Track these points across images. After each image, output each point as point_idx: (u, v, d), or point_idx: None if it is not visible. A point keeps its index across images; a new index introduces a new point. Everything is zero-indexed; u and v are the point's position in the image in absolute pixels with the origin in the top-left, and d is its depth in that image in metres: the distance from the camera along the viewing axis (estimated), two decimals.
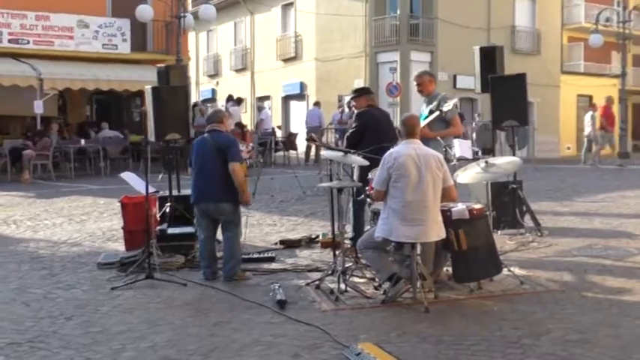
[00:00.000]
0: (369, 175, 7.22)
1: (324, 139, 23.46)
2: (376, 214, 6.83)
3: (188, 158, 7.77)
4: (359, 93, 8.55)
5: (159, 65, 10.26)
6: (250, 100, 35.89)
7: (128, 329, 5.72)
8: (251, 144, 17.65)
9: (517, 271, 7.03)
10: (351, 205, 8.47)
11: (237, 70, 39.07)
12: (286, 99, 35.42)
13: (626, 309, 5.90)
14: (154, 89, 8.32)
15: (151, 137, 8.80)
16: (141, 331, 5.67)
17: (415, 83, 8.40)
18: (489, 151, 10.32)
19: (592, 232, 9.47)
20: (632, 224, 10.09)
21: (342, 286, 6.60)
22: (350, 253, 7.30)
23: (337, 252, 7.15)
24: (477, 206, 6.64)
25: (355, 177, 8.32)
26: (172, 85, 9.05)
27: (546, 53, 34.32)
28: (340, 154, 7.05)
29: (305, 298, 6.59)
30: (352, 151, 7.16)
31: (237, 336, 5.47)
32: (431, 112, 8.08)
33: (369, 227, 8.34)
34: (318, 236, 9.41)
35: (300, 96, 33.97)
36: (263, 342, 5.29)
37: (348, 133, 8.45)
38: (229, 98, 24.92)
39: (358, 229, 8.29)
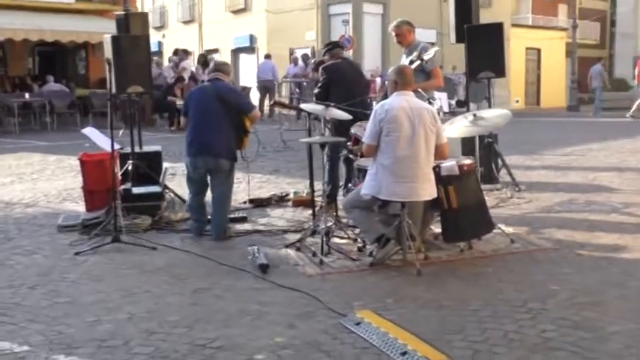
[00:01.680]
0: (352, 130, 6.82)
1: (277, 96, 22.92)
2: (361, 172, 6.44)
3: (183, 107, 7.27)
4: (330, 47, 8.17)
5: (117, 13, 9.58)
6: (197, 53, 34.94)
7: (100, 299, 5.25)
8: None
9: (506, 229, 6.72)
10: (325, 161, 8.08)
11: (185, 22, 37.96)
12: (236, 52, 34.56)
13: (628, 268, 5.65)
14: (114, 39, 7.71)
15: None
16: (115, 301, 5.20)
17: (393, 34, 7.96)
18: (463, 104, 9.95)
19: (569, 187, 9.26)
20: (607, 177, 9.93)
21: (326, 247, 6.23)
22: (329, 212, 6.92)
23: (317, 211, 6.78)
24: (467, 161, 6.29)
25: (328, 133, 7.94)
26: (133, 35, 8.44)
27: (498, 5, 34.07)
28: (321, 107, 6.60)
29: (286, 261, 6.19)
30: (332, 104, 6.71)
31: (220, 304, 5.05)
32: (411, 62, 7.66)
33: (342, 185, 8.02)
34: (287, 194, 9.01)
35: (250, 49, 33.16)
36: (250, 311, 4.89)
37: (315, 90, 8.07)
38: (176, 52, 24.07)
39: (333, 187, 7.92)
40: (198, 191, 7.15)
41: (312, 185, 7.13)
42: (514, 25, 36.39)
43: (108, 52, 7.75)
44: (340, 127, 7.34)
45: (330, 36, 29.63)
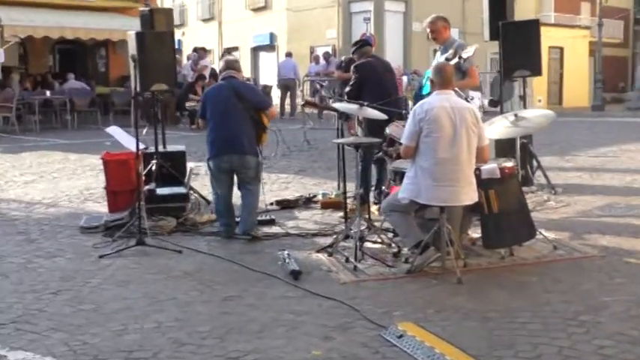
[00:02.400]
0: (387, 131, 6.55)
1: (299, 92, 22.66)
2: (398, 174, 6.17)
3: (200, 109, 7.04)
4: (360, 44, 7.92)
5: (142, 9, 9.33)
6: (218, 52, 34.74)
7: (126, 306, 5.01)
8: None
9: (547, 234, 6.40)
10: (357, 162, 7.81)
11: (204, 20, 37.84)
12: (255, 50, 34.38)
13: None
14: (138, 35, 7.48)
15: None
16: (141, 308, 4.96)
17: (428, 30, 7.66)
18: (496, 104, 9.63)
19: (607, 190, 8.92)
20: None
21: (359, 253, 5.95)
22: (362, 215, 6.63)
23: (350, 214, 6.50)
24: (509, 164, 6.00)
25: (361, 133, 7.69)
26: (158, 31, 8.19)
27: (521, 4, 33.55)
28: (355, 106, 6.33)
29: (318, 267, 5.92)
30: (366, 103, 6.43)
31: (253, 314, 4.79)
32: (447, 60, 7.37)
33: (374, 187, 7.76)
34: (315, 195, 8.74)
35: (270, 47, 32.98)
36: (284, 321, 4.63)
37: (347, 89, 7.83)
38: (195, 50, 23.82)
39: (366, 189, 7.66)
40: (225, 192, 6.93)
41: (344, 187, 6.84)
42: None
43: (132, 48, 7.54)
44: (373, 127, 7.08)
45: (351, 34, 29.37)
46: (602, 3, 33.28)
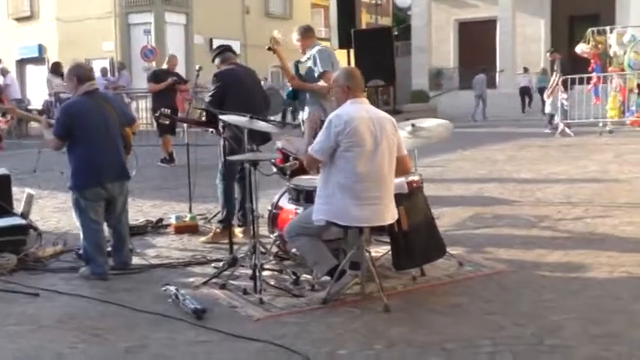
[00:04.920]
0: (278, 144, 5.91)
1: None
2: (301, 192, 5.52)
3: (60, 127, 5.86)
4: (220, 50, 7.22)
5: None
6: None
7: None
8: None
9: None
10: (218, 181, 7.08)
11: None
12: (22, 62, 31.81)
13: (608, 289, 5.15)
14: None
15: None
16: None
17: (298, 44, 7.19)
18: None
19: (464, 200, 8.74)
20: (491, 188, 9.64)
21: (259, 283, 5.24)
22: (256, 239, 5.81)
23: (239, 239, 5.80)
24: (415, 177, 5.59)
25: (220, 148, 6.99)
26: None
27: (298, 18, 34.08)
28: (244, 119, 5.59)
29: (215, 302, 5.12)
30: (251, 115, 5.70)
31: None
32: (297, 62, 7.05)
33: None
34: (161, 219, 7.85)
35: (39, 59, 30.66)
36: None
37: (207, 99, 7.09)
38: None
39: (230, 210, 6.96)
40: (100, 225, 5.93)
41: (247, 208, 5.86)
42: None
43: None
44: (237, 141, 6.38)
45: (130, 46, 28.15)
46: None
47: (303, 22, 34.62)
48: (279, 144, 6.04)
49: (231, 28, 30.58)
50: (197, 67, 7.85)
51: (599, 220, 7.46)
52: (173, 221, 7.53)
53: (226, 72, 7.00)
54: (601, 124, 17.20)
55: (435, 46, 32.17)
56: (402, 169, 5.15)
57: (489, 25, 31.00)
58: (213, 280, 5.56)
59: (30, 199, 6.97)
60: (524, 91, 27.96)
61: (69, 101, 6.10)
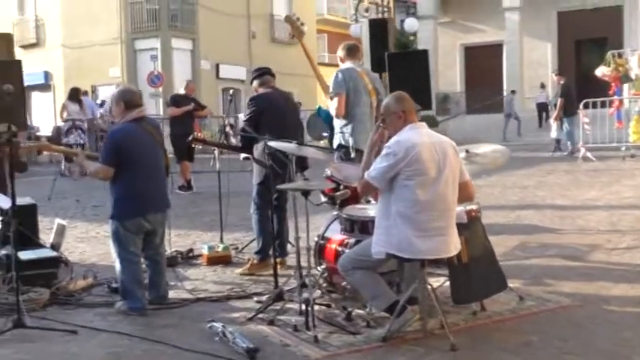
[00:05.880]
0: (327, 172, 5.64)
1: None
2: (356, 223, 5.24)
3: (104, 152, 5.61)
4: (260, 73, 6.99)
5: None
6: None
7: None
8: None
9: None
10: (252, 210, 6.81)
11: None
12: (27, 89, 31.55)
13: None
14: None
15: None
16: None
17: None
18: None
19: (505, 229, 8.32)
20: (529, 215, 9.36)
21: (311, 319, 4.94)
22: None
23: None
24: (473, 206, 5.31)
25: (255, 175, 6.74)
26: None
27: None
28: (293, 145, 5.34)
29: (265, 340, 4.82)
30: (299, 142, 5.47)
31: None
32: None
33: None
34: (191, 250, 7.57)
35: (45, 86, 30.53)
36: None
37: (242, 124, 6.86)
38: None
39: (267, 241, 6.66)
40: (139, 258, 5.64)
41: (297, 243, 5.56)
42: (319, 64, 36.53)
43: None
44: (275, 169, 6.12)
45: (137, 72, 28.00)
46: None
47: (309, 46, 34.86)
48: (327, 172, 5.77)
49: (238, 54, 30.51)
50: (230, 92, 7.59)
51: None
52: (205, 252, 7.24)
53: (263, 96, 6.77)
54: (624, 148, 16.93)
55: (442, 70, 32.01)
56: (465, 195, 4.88)
57: (495, 49, 30.90)
58: (259, 316, 5.27)
59: (62, 230, 6.70)
60: (542, 107, 27.96)
61: (116, 127, 5.82)
